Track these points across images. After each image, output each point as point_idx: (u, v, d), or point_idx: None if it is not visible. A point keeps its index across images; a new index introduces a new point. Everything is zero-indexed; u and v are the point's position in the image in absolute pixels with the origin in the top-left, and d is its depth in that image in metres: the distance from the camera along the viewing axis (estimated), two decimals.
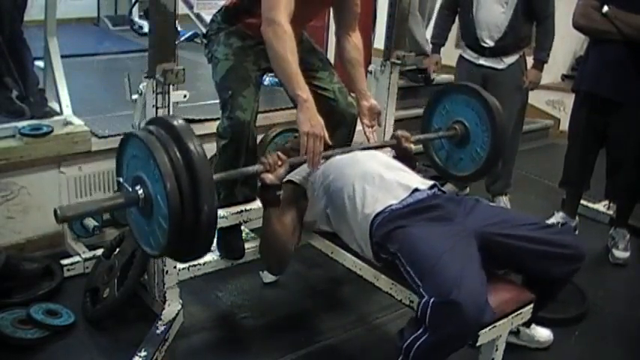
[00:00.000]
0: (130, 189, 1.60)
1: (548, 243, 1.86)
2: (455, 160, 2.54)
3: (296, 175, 2.12)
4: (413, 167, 2.23)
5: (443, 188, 2.05)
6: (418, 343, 1.64)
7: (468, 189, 3.78)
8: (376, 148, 2.25)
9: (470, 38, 3.38)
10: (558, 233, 1.94)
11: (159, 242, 1.61)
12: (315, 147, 1.92)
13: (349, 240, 1.99)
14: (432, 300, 1.61)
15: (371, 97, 2.35)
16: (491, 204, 2.07)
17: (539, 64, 3.40)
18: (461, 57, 3.52)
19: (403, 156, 2.29)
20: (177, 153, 1.53)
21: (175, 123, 1.59)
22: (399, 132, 2.31)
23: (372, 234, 1.87)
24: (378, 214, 1.86)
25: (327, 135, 1.94)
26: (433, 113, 2.58)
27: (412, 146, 2.29)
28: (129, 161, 1.66)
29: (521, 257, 1.87)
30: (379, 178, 1.96)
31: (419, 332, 1.64)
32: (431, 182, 2.03)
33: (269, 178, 1.90)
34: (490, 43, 3.31)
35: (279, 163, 1.91)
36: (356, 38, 2.39)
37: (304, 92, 1.92)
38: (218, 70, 2.25)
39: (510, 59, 3.35)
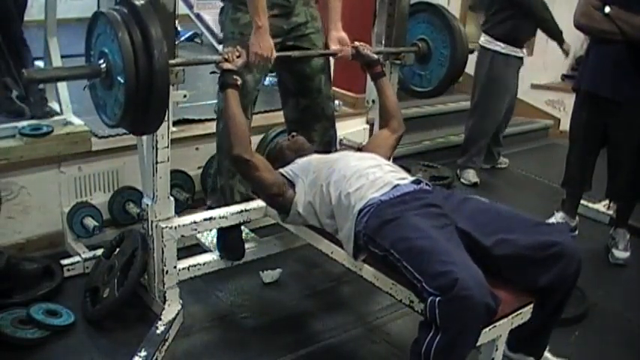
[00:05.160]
0: (96, 62, 1.85)
1: (532, 247, 1.78)
2: (429, 77, 2.75)
3: (289, 171, 2.19)
4: (379, 73, 2.46)
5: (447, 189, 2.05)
6: (434, 344, 1.61)
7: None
8: (330, 55, 2.47)
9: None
10: (547, 234, 1.82)
11: (119, 104, 1.81)
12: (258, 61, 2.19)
13: (335, 233, 2.05)
14: (438, 299, 1.59)
15: (341, 29, 2.45)
16: (482, 199, 2.03)
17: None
18: (499, 53, 3.81)
19: (364, 63, 2.46)
20: (131, 18, 1.76)
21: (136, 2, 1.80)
22: (356, 43, 2.44)
23: (357, 229, 1.91)
24: (361, 210, 1.92)
25: (274, 56, 2.19)
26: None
27: (373, 54, 2.45)
28: (96, 38, 1.89)
29: (505, 266, 1.82)
30: (365, 176, 2.02)
31: (432, 334, 1.62)
32: (412, 178, 2.07)
33: (226, 65, 2.10)
34: None
35: (237, 54, 2.12)
36: None
37: (262, 19, 2.15)
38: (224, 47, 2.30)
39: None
